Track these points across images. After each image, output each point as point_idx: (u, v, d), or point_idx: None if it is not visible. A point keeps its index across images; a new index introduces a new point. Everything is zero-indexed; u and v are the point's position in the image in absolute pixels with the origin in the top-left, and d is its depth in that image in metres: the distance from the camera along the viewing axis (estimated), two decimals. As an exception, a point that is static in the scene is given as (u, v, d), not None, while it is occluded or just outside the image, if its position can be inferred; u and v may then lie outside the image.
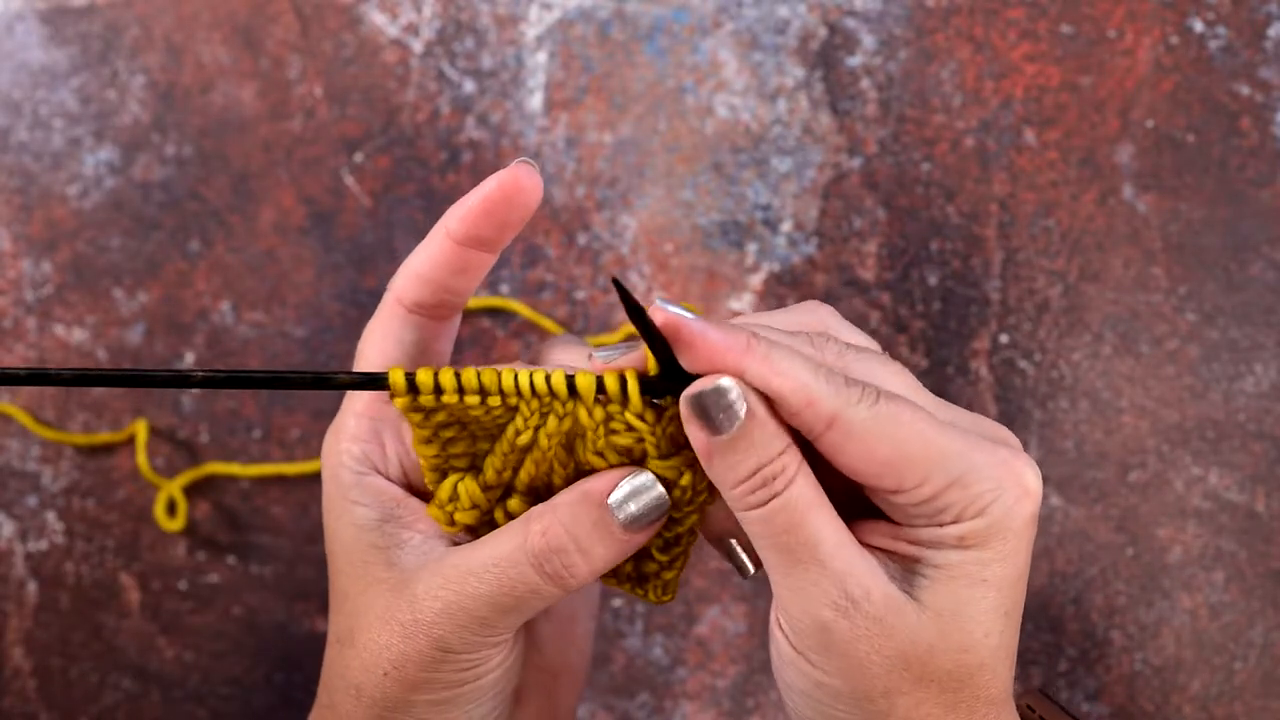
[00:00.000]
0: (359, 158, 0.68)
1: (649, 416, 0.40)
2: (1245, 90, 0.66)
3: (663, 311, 0.39)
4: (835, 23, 0.67)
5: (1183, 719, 0.66)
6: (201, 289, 0.67)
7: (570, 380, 0.39)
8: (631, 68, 0.67)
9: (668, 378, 0.39)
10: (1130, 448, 0.66)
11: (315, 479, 0.66)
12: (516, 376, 0.39)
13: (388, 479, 0.44)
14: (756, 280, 0.67)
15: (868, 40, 0.67)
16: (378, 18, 0.67)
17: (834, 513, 0.39)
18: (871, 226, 0.67)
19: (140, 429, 0.66)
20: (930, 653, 0.38)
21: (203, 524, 0.67)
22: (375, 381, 0.40)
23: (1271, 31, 0.66)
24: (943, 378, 0.66)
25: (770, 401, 0.39)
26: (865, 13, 0.67)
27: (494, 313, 0.67)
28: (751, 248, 0.67)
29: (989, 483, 0.38)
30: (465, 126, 0.67)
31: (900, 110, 0.67)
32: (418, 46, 0.67)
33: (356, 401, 0.44)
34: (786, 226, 0.67)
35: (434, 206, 0.67)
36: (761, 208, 0.67)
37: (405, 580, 0.41)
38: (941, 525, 0.38)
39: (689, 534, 0.44)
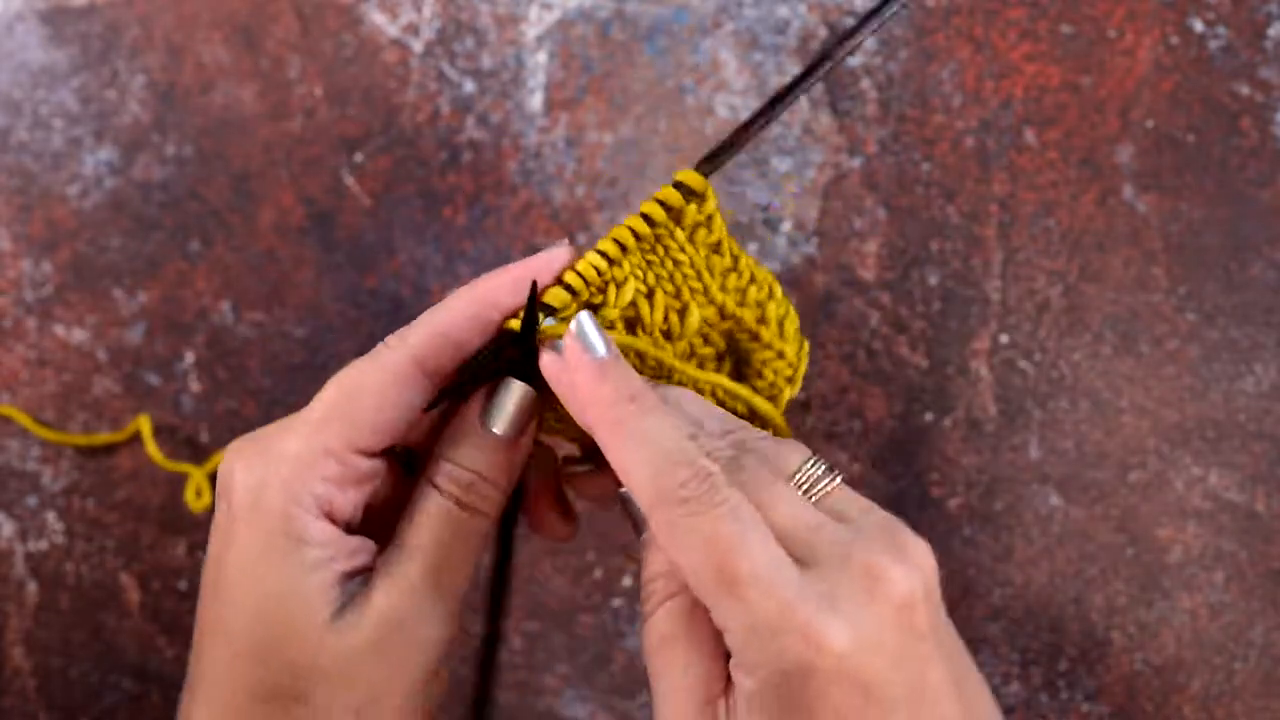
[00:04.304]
0: (359, 158, 0.68)
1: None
2: (1245, 90, 0.66)
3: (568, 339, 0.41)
4: (835, 23, 0.67)
5: (1183, 719, 0.66)
6: (201, 289, 0.67)
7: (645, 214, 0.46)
8: (631, 68, 0.67)
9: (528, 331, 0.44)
10: (1130, 448, 0.66)
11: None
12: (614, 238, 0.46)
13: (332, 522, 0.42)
14: (756, 280, 0.67)
15: (868, 40, 0.67)
16: (378, 18, 0.67)
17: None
18: (871, 226, 0.67)
19: (144, 423, 0.66)
20: None
21: (204, 523, 0.67)
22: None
23: (1271, 31, 0.66)
24: (943, 377, 0.66)
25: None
26: (865, 13, 0.67)
27: (494, 313, 0.67)
28: (751, 248, 0.67)
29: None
30: (465, 126, 0.67)
31: (900, 110, 0.67)
32: (418, 46, 0.68)
33: (329, 438, 0.41)
34: (786, 226, 0.67)
35: (434, 206, 0.67)
36: (761, 208, 0.67)
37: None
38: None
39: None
